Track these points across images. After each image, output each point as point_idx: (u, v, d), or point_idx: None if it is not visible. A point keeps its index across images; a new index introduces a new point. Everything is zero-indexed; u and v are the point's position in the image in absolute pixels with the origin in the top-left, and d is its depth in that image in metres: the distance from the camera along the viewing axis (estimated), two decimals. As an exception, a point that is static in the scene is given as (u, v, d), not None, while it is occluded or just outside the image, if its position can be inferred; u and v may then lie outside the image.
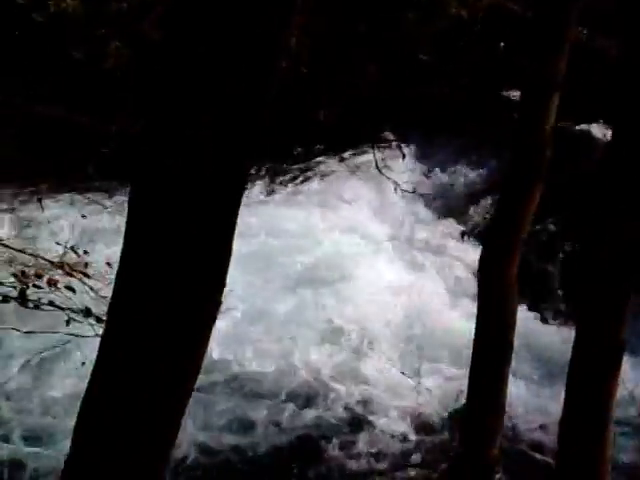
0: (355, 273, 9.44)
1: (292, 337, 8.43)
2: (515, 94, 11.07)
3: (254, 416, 7.52)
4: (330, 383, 7.98)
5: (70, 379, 7.53)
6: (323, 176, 11.55)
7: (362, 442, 7.38)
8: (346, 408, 7.74)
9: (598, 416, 4.19)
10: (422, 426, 7.55)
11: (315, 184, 11.42)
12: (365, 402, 7.80)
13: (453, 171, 11.42)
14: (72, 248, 5.86)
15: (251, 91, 2.69)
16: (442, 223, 10.59)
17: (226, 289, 2.94)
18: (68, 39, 11.02)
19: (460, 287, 9.48)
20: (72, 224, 7.54)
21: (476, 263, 5.08)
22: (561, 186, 8.85)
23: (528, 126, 4.59)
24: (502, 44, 12.04)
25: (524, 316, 8.02)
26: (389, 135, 11.78)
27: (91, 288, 5.60)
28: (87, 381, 3.05)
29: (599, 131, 10.78)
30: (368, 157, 11.26)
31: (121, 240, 2.89)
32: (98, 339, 3.07)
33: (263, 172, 11.21)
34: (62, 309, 5.40)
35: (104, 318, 5.09)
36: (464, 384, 5.32)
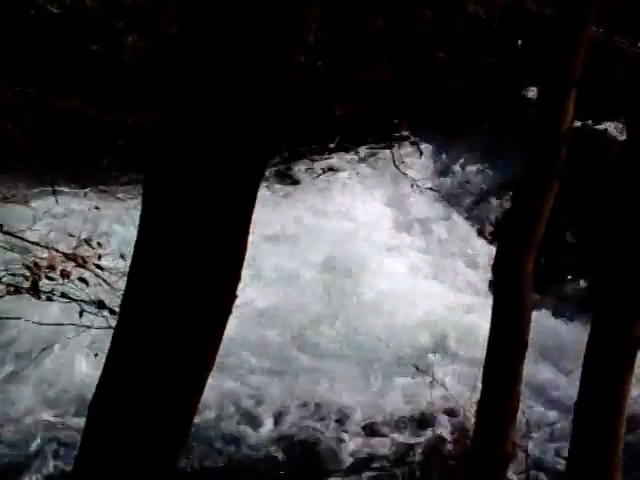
0: (369, 271, 9.42)
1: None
2: (532, 92, 11.06)
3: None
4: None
5: (82, 371, 7.56)
6: (338, 172, 11.54)
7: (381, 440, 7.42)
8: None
9: (611, 411, 4.18)
10: (435, 424, 7.55)
11: (329, 180, 11.40)
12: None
13: (470, 169, 11.39)
14: (86, 240, 5.85)
15: (268, 85, 2.67)
16: (458, 220, 10.56)
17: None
18: (85, 31, 11.04)
19: (474, 286, 9.47)
20: (86, 216, 7.53)
21: (491, 261, 5.07)
22: (577, 185, 8.81)
23: (545, 124, 4.55)
24: (520, 42, 11.99)
25: (539, 313, 8.04)
26: (406, 132, 11.76)
27: (104, 280, 5.59)
28: (99, 374, 3.05)
29: (615, 130, 10.74)
30: (384, 154, 11.27)
31: (135, 232, 2.88)
32: (111, 331, 3.06)
33: (278, 168, 11.19)
34: (75, 301, 5.40)
35: (117, 310, 5.11)
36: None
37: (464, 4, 12.10)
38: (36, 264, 5.33)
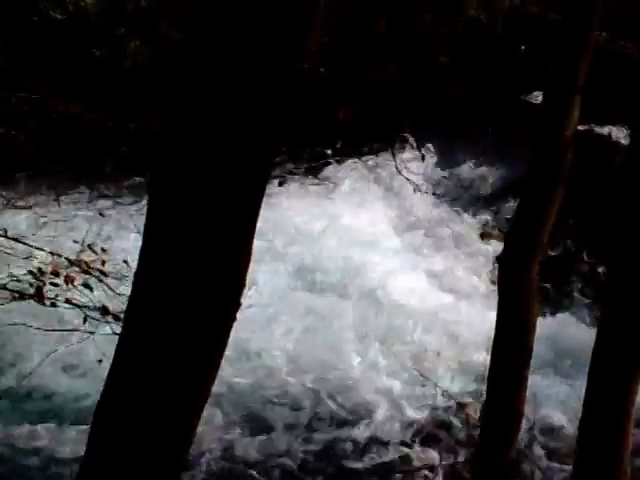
0: (373, 277, 9.41)
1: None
2: (534, 97, 11.06)
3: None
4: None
5: (86, 378, 7.55)
6: (340, 176, 11.53)
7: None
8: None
9: (619, 417, 4.17)
10: (441, 428, 7.53)
11: (332, 184, 11.40)
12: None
13: (472, 173, 11.39)
14: (89, 246, 5.84)
15: (271, 90, 2.66)
16: (460, 225, 10.55)
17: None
18: (87, 37, 11.04)
19: (476, 290, 9.45)
20: (90, 221, 7.53)
21: (494, 265, 5.05)
22: (581, 189, 8.80)
23: (550, 130, 4.55)
24: (523, 47, 11.99)
25: (545, 317, 8.02)
26: (408, 136, 11.75)
27: (107, 286, 5.58)
28: (104, 380, 3.04)
29: (619, 134, 10.74)
30: (386, 157, 11.26)
31: (138, 238, 2.87)
32: (115, 337, 3.05)
33: (279, 172, 11.19)
34: (79, 307, 5.39)
35: (121, 316, 5.09)
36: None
37: (465, 8, 12.11)
38: (40, 270, 5.32)
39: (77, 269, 5.57)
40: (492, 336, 5.03)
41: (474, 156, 11.56)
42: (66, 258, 5.65)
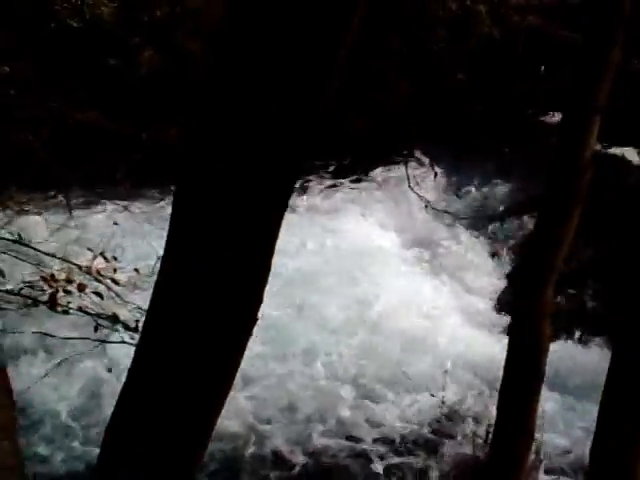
0: (381, 292, 9.40)
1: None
2: (549, 117, 11.05)
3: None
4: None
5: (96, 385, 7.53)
6: (350, 191, 11.53)
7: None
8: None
9: (632, 443, 4.12)
10: (447, 444, 7.51)
11: (343, 199, 11.40)
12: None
13: (484, 191, 11.37)
14: (102, 254, 5.84)
15: (304, 108, 2.66)
16: (472, 242, 10.53)
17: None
18: (103, 46, 11.09)
19: (487, 308, 9.43)
20: (102, 229, 7.52)
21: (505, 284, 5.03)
22: (595, 209, 8.78)
23: (569, 148, 4.52)
24: (542, 67, 11.99)
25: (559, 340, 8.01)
26: (420, 152, 11.75)
27: (117, 294, 5.59)
28: (119, 389, 3.03)
29: (633, 155, 10.72)
30: (397, 173, 11.26)
31: (149, 247, 2.87)
32: (124, 346, 3.04)
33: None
34: (91, 315, 5.38)
35: (131, 325, 5.09)
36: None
37: (479, 25, 12.12)
38: (53, 277, 5.32)
39: (89, 276, 5.57)
40: (500, 358, 5.01)
41: (487, 174, 11.53)
42: (78, 265, 5.65)
